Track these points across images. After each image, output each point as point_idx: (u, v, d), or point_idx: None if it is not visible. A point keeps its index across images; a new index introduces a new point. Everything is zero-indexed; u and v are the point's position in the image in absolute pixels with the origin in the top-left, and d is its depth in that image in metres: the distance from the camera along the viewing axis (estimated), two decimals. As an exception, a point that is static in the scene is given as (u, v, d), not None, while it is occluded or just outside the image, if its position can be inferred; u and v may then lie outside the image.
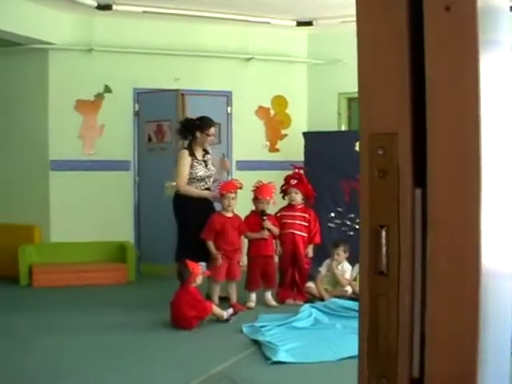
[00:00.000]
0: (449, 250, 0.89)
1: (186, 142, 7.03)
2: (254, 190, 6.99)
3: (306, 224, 7.17)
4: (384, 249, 0.90)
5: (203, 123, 6.88)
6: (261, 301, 6.96)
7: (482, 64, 0.92)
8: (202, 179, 6.87)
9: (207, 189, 6.98)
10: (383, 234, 0.90)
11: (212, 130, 6.93)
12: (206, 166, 6.92)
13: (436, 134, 0.88)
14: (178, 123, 7.34)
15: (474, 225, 0.88)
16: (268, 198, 6.90)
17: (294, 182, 7.18)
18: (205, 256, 6.72)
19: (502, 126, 1.26)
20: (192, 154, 6.84)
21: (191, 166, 6.79)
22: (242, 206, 7.05)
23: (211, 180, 7.03)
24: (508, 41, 1.50)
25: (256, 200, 6.96)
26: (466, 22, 0.89)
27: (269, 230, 6.92)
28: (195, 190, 6.81)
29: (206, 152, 7.00)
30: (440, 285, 0.90)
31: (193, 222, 6.69)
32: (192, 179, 6.80)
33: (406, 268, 0.89)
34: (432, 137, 0.88)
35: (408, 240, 0.89)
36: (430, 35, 0.89)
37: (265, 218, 6.87)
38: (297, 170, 7.26)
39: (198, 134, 6.85)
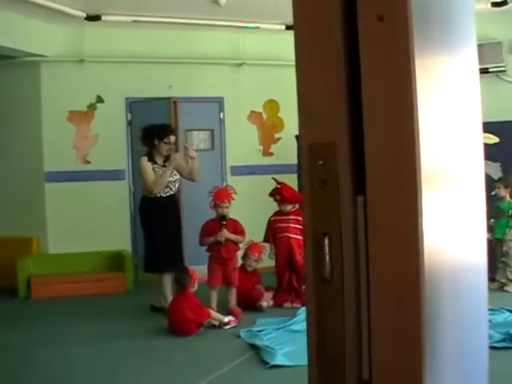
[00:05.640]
0: (390, 254, 0.91)
1: (146, 150, 6.89)
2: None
3: (301, 227, 7.19)
4: (327, 256, 0.92)
5: (162, 131, 6.80)
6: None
7: (419, 69, 0.94)
8: (166, 185, 6.81)
9: (172, 195, 6.90)
10: (326, 241, 0.92)
11: (171, 139, 6.81)
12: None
13: (373, 142, 0.90)
14: (140, 130, 7.20)
15: (414, 229, 0.90)
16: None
17: (278, 197, 7.24)
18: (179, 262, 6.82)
19: (456, 125, 1.27)
20: (152, 161, 6.77)
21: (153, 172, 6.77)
22: (236, 210, 7.08)
23: (176, 185, 6.96)
24: (471, 34, 1.50)
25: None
26: (398, 30, 0.91)
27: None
28: (162, 178, 6.70)
29: (167, 158, 6.86)
30: (383, 288, 0.92)
31: (166, 228, 6.74)
32: None
33: (349, 274, 0.91)
34: (369, 145, 0.90)
35: (350, 246, 0.91)
36: (364, 46, 0.91)
37: (224, 222, 6.80)
38: (278, 186, 7.26)
39: (156, 141, 6.76)
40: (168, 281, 6.75)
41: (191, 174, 7.00)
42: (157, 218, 6.77)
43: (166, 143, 6.78)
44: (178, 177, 6.95)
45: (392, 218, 0.92)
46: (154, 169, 6.79)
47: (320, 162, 0.92)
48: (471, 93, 1.46)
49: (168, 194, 6.83)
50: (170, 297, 6.66)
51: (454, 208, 1.20)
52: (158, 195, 6.77)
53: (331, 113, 0.93)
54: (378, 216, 0.92)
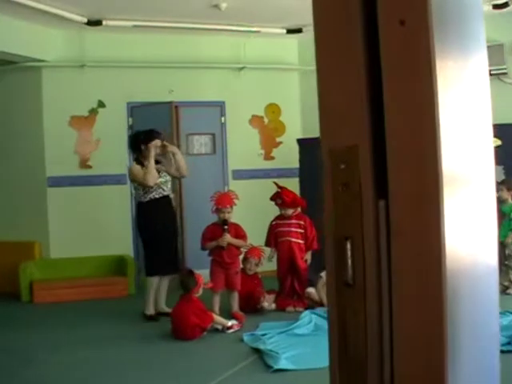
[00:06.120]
0: (413, 259, 0.91)
1: (134, 156, 7.03)
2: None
3: (302, 231, 7.20)
4: (349, 260, 0.91)
5: (147, 136, 6.86)
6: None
7: (440, 73, 0.94)
8: (159, 186, 6.84)
9: (165, 196, 6.94)
10: (348, 245, 0.91)
11: (155, 143, 6.83)
12: (159, 174, 6.86)
13: (395, 145, 0.89)
14: (128, 137, 7.28)
15: (436, 233, 0.90)
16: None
17: (279, 201, 7.26)
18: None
19: (470, 129, 1.27)
20: (141, 165, 6.81)
21: None
22: (238, 214, 7.09)
23: (168, 185, 7.00)
24: (482, 37, 1.50)
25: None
26: (420, 35, 0.91)
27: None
28: (149, 167, 6.70)
29: (157, 162, 6.91)
30: (405, 293, 0.91)
31: (162, 229, 6.79)
32: (148, 188, 6.78)
33: (371, 279, 0.91)
34: (391, 149, 0.89)
35: (373, 251, 0.91)
36: (386, 50, 0.90)
37: (226, 227, 6.81)
38: (279, 190, 7.27)
39: (142, 147, 6.84)
40: (154, 286, 6.79)
41: (179, 170, 7.02)
42: (153, 220, 6.80)
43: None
44: (168, 177, 6.96)
45: (414, 222, 0.91)
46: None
47: (342, 166, 0.92)
48: (483, 96, 1.45)
49: (161, 195, 6.86)
50: (151, 304, 6.81)
51: (471, 212, 1.20)
52: (152, 197, 6.78)
53: (353, 115, 0.92)
54: (400, 220, 0.91)
